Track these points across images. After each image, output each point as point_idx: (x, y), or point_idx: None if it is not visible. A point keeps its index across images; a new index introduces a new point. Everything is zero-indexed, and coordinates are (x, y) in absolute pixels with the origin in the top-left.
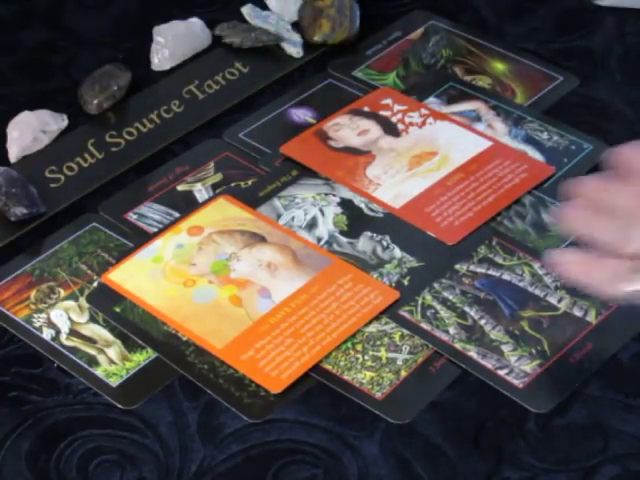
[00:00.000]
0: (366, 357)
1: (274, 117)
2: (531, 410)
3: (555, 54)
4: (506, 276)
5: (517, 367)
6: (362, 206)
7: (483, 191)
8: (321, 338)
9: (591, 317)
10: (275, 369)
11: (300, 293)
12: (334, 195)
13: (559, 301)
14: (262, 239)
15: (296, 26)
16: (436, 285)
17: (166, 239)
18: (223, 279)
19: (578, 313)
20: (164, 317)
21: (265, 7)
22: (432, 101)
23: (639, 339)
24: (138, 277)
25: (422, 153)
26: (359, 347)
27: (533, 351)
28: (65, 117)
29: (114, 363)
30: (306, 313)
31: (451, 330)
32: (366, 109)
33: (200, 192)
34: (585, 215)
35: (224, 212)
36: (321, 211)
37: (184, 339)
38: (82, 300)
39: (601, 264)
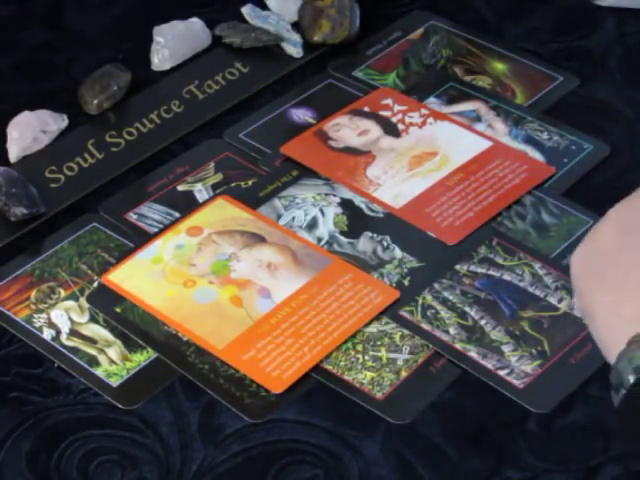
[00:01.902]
0: (366, 357)
1: (274, 117)
2: (532, 410)
3: (555, 54)
4: (506, 276)
5: (517, 367)
6: (362, 206)
7: (483, 191)
8: (322, 338)
9: None
10: (276, 369)
11: (300, 293)
12: (334, 195)
13: (559, 301)
14: (262, 239)
15: (296, 26)
16: (436, 285)
17: (165, 240)
18: (223, 279)
19: (578, 313)
20: (164, 318)
21: (265, 7)
22: (432, 101)
23: None
24: (138, 278)
25: (422, 153)
26: (359, 347)
27: (533, 351)
28: (65, 117)
29: (114, 363)
30: (306, 313)
31: (451, 330)
32: (366, 109)
33: (200, 192)
34: None
35: (223, 212)
36: (321, 211)
37: (184, 339)
38: (82, 300)
39: None
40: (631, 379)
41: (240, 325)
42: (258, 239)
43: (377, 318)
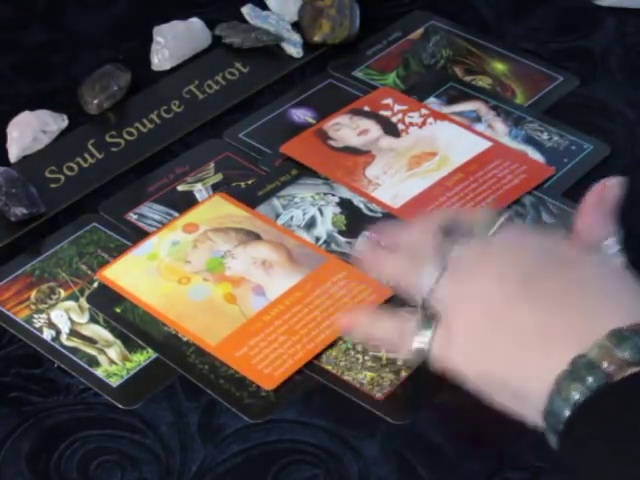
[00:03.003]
0: (366, 357)
1: (274, 117)
2: None
3: (555, 54)
4: None
5: None
6: (361, 206)
7: (483, 191)
8: (314, 335)
9: None
10: (268, 366)
11: (294, 291)
12: (333, 195)
13: None
14: (257, 237)
15: (296, 26)
16: None
17: (162, 236)
18: (218, 277)
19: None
20: (159, 314)
21: (265, 7)
22: (432, 101)
23: None
24: (133, 274)
25: (422, 153)
26: (359, 347)
27: None
28: (65, 117)
29: (114, 363)
30: (300, 311)
31: None
32: (366, 109)
33: (200, 192)
34: (377, 257)
35: (219, 210)
36: (320, 211)
37: (184, 339)
38: (82, 300)
39: (390, 260)
40: (567, 413)
41: (233, 322)
42: (253, 237)
43: None
